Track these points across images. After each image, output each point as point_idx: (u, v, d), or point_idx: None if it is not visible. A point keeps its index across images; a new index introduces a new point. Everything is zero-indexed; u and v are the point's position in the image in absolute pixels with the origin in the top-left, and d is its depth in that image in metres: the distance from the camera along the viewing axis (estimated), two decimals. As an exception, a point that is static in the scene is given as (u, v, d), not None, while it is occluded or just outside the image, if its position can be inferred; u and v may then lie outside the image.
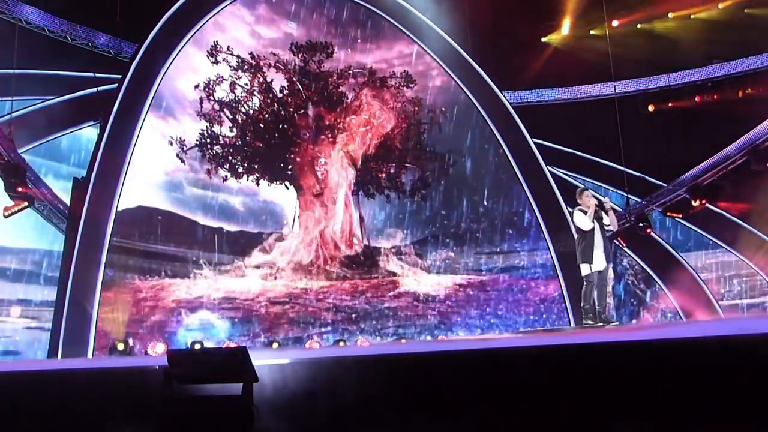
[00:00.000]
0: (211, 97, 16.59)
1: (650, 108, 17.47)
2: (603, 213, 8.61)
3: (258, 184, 16.85)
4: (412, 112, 17.87)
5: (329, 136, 17.44)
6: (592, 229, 8.46)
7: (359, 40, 17.74)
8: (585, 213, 8.53)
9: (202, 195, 16.38)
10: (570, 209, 16.11)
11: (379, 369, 4.76)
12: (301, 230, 17.14)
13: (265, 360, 5.01)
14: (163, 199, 15.93)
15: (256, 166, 16.81)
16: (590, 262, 8.37)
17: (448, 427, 4.29)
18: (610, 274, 16.96)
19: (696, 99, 17.35)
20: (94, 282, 14.14)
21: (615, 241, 17.51)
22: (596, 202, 8.58)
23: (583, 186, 9.15)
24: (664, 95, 17.55)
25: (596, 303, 8.49)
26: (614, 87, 17.12)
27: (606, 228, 8.74)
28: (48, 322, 13.97)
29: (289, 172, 17.12)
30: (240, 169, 16.70)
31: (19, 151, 14.33)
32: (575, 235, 8.75)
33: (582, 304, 8.59)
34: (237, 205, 16.72)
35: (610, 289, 16.91)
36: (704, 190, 16.46)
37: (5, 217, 13.34)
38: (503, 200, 17.75)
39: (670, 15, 16.97)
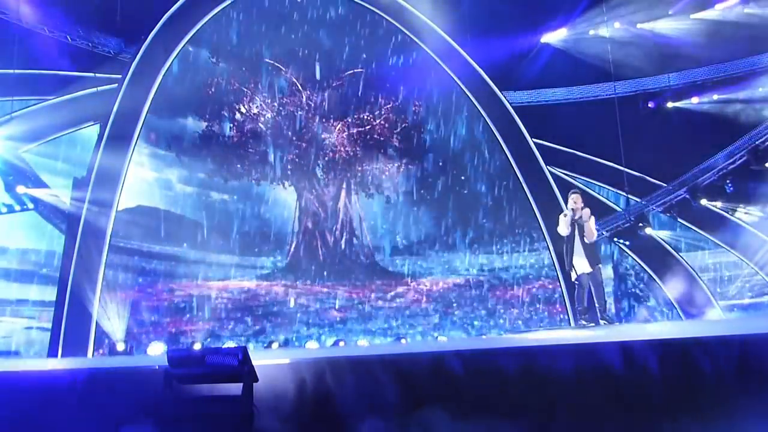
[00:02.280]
0: (212, 97, 16.58)
1: (649, 105, 17.49)
2: (587, 218, 8.52)
3: (258, 184, 16.84)
4: (412, 113, 17.86)
5: (330, 136, 17.42)
6: (571, 236, 8.39)
7: (359, 41, 17.71)
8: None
9: (202, 195, 16.38)
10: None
11: (379, 369, 4.76)
12: (301, 230, 17.13)
13: (265, 360, 5.01)
14: (162, 198, 15.93)
15: (256, 166, 16.79)
16: (569, 268, 8.37)
17: (448, 426, 4.29)
18: (608, 273, 17.03)
19: (695, 99, 17.37)
20: (94, 282, 14.13)
21: (615, 241, 17.53)
22: (575, 207, 8.47)
23: (574, 189, 9.03)
24: (664, 95, 17.56)
25: (595, 303, 8.48)
26: (614, 87, 17.11)
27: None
28: (48, 322, 13.95)
29: (289, 172, 17.11)
30: (240, 169, 16.68)
31: (19, 151, 14.33)
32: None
33: (575, 307, 8.60)
34: (237, 204, 16.71)
35: (609, 289, 16.93)
36: (704, 190, 16.46)
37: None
38: (503, 200, 17.73)
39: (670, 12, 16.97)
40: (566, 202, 9.05)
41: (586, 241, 8.48)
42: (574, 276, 8.43)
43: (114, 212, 14.66)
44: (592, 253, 8.53)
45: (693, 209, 16.85)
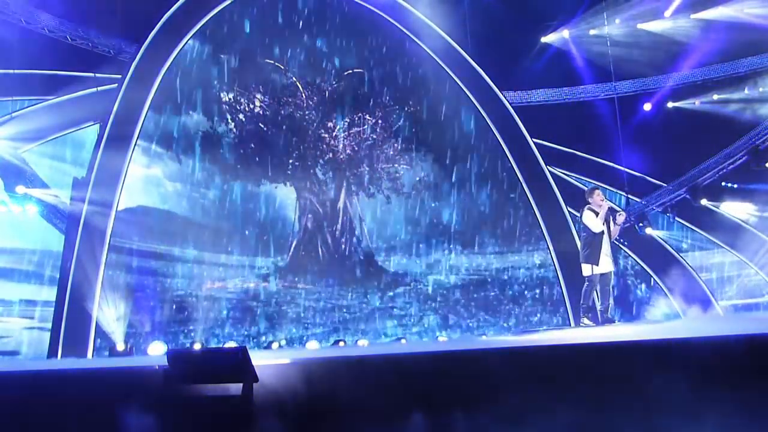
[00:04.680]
0: (213, 97, 16.58)
1: (645, 107, 17.53)
2: (611, 217, 8.60)
3: (259, 184, 16.84)
4: (412, 113, 17.85)
5: (329, 136, 17.42)
6: (602, 231, 8.41)
7: (359, 40, 17.69)
8: (595, 213, 8.46)
9: (202, 195, 16.37)
10: (570, 209, 16.16)
11: (379, 369, 4.76)
12: (301, 230, 17.13)
13: (265, 360, 5.02)
14: (162, 198, 15.93)
15: (256, 166, 16.78)
16: (596, 263, 8.32)
17: (448, 427, 4.29)
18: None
19: (696, 99, 17.38)
20: (94, 282, 14.12)
21: (614, 241, 17.53)
22: (609, 204, 8.55)
23: (594, 185, 9.16)
24: (664, 95, 17.57)
25: (599, 302, 8.50)
26: (614, 87, 17.12)
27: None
28: (48, 322, 13.95)
29: (289, 172, 17.10)
30: (240, 169, 16.67)
31: (19, 151, 14.32)
32: (582, 234, 8.68)
33: (581, 303, 8.58)
34: (237, 204, 16.70)
35: (610, 288, 16.93)
36: (704, 190, 16.47)
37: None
38: (503, 200, 17.74)
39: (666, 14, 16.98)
40: (567, 202, 9.11)
41: (612, 237, 8.62)
42: (588, 272, 8.39)
43: (114, 212, 14.66)
44: (613, 252, 8.67)
45: (693, 209, 16.87)
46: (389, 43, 17.80)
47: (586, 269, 8.42)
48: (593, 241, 8.36)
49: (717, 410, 3.81)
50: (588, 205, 8.63)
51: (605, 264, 8.39)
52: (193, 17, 16.21)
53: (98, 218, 14.35)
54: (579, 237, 8.75)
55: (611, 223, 8.61)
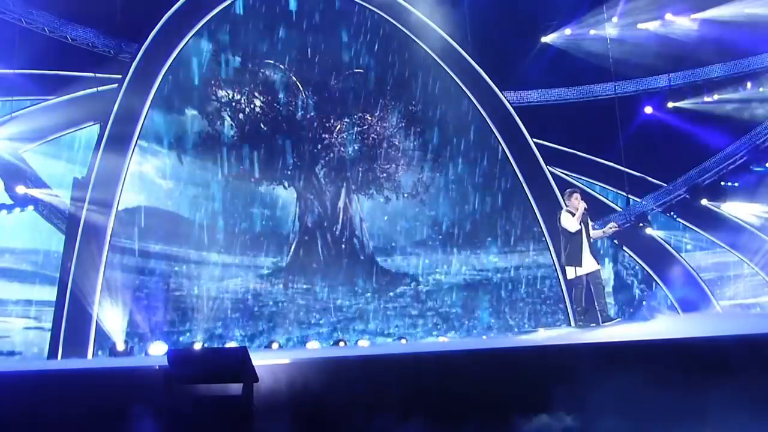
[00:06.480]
0: (213, 97, 16.58)
1: (646, 110, 17.54)
2: (589, 219, 8.62)
3: (259, 184, 16.84)
4: (412, 113, 17.85)
5: (330, 136, 17.42)
6: (580, 232, 8.43)
7: (360, 41, 17.70)
8: (572, 215, 8.52)
9: (202, 195, 16.37)
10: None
11: (379, 369, 4.77)
12: (301, 230, 17.13)
13: (265, 360, 5.02)
14: (162, 198, 15.92)
15: (256, 166, 16.78)
16: (579, 265, 8.33)
17: (448, 427, 4.30)
18: (608, 273, 17.05)
19: (696, 99, 17.38)
20: (94, 282, 14.13)
21: (615, 241, 17.54)
22: (585, 205, 8.58)
23: (572, 188, 9.19)
24: (664, 95, 17.57)
25: (595, 304, 8.48)
26: (614, 87, 17.12)
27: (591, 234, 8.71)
28: (48, 322, 13.96)
29: (289, 172, 17.10)
30: (240, 169, 16.68)
31: (19, 151, 14.33)
32: (561, 237, 8.69)
33: (574, 308, 8.59)
34: (237, 204, 16.70)
35: (609, 288, 16.94)
36: (704, 190, 16.48)
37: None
38: (503, 201, 17.74)
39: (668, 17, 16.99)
40: (566, 202, 9.09)
41: (591, 238, 8.60)
42: (572, 274, 8.41)
43: (114, 212, 14.67)
44: (596, 251, 8.65)
45: (693, 209, 16.87)
46: (389, 43, 17.81)
47: (570, 272, 8.42)
48: (572, 242, 8.39)
49: (717, 409, 3.81)
50: (566, 208, 8.70)
51: (589, 263, 8.37)
52: (193, 17, 16.22)
53: (98, 218, 14.36)
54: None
55: (589, 225, 8.62)
